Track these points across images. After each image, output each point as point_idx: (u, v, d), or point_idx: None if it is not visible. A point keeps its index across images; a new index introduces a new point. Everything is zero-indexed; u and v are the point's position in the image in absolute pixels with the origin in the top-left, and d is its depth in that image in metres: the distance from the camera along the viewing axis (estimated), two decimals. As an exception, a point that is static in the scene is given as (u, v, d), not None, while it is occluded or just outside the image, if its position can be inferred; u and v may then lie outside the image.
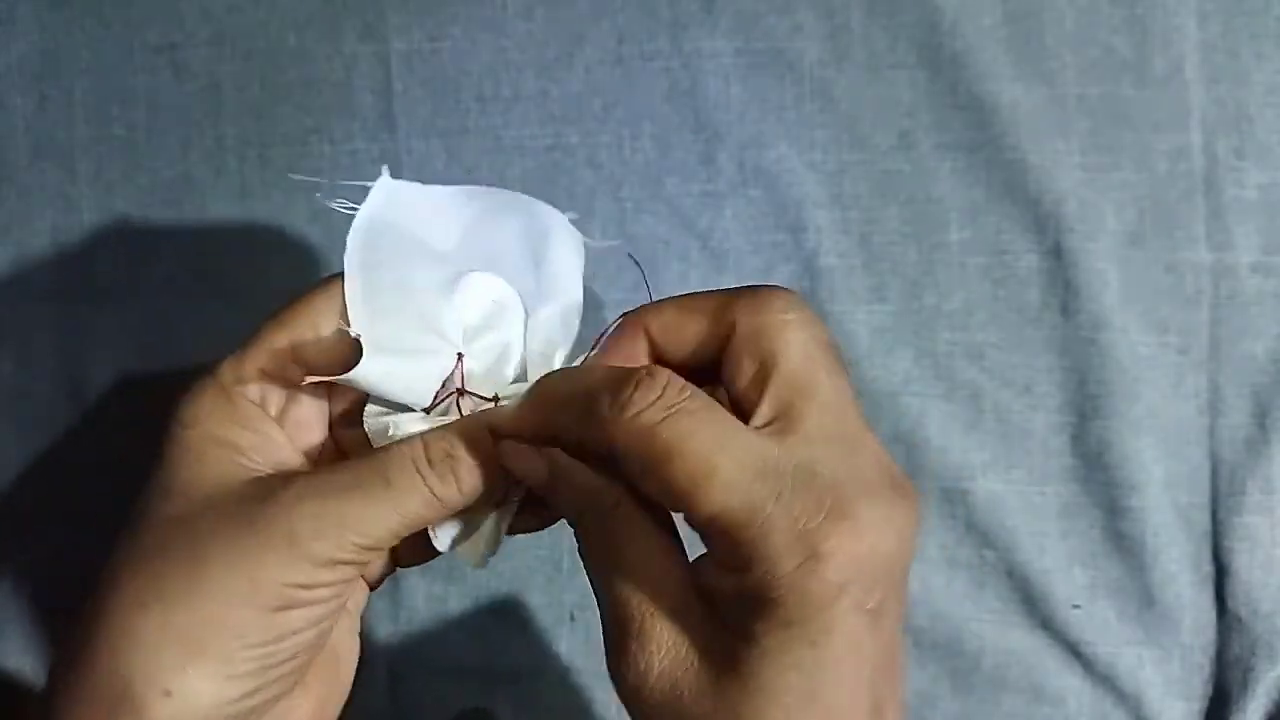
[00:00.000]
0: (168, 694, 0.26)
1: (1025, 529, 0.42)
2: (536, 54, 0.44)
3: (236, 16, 0.44)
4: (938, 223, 0.43)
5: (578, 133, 0.44)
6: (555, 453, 0.28)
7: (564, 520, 0.34)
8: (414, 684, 0.44)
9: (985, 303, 0.43)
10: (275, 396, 0.30)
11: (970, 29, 0.42)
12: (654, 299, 0.30)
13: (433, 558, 0.34)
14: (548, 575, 0.44)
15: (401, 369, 0.29)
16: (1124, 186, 0.42)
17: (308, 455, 0.30)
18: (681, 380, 0.25)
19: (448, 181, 0.44)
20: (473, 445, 0.28)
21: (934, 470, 0.43)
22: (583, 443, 0.27)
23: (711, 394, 0.26)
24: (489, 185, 0.43)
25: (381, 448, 0.29)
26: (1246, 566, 0.42)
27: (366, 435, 0.30)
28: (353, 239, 0.30)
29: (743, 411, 0.26)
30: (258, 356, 0.29)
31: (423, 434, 0.28)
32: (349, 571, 0.28)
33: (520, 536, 0.42)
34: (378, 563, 0.33)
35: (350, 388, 0.30)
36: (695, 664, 0.25)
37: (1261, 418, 0.42)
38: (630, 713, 0.26)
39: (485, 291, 0.31)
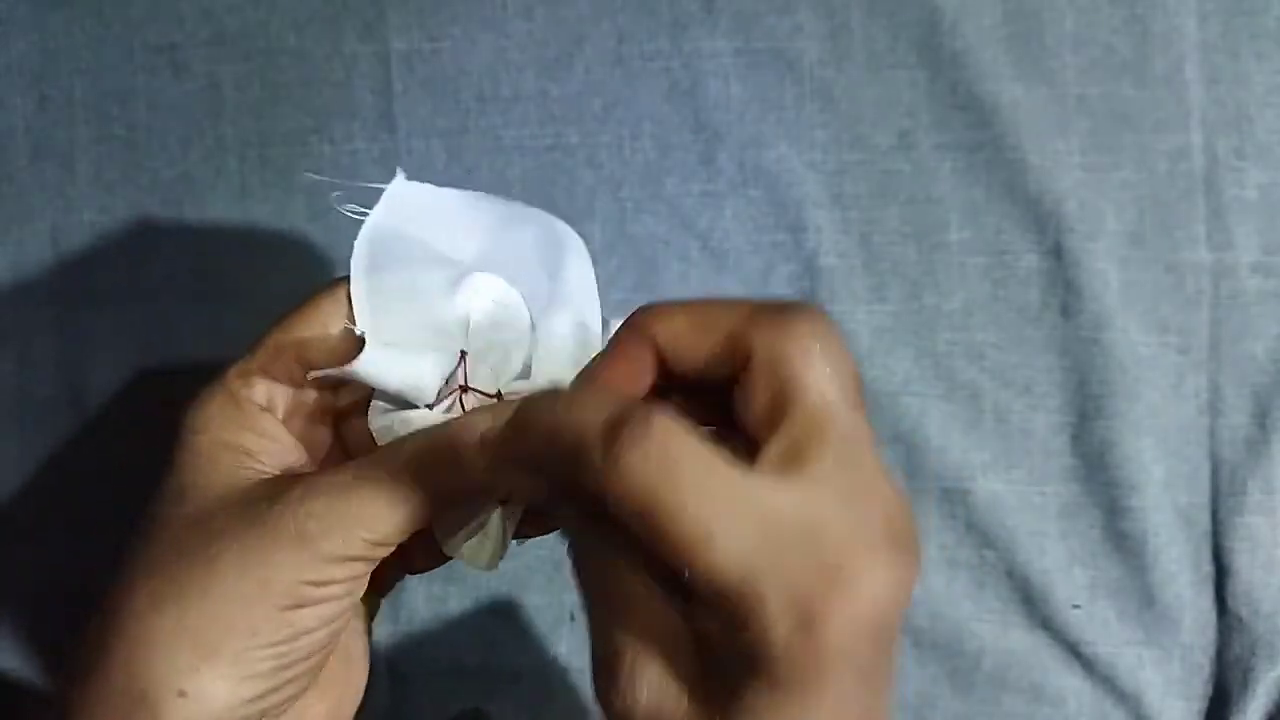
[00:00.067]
0: (182, 695, 0.26)
1: (1025, 529, 0.42)
2: (536, 54, 0.44)
3: (236, 16, 0.44)
4: (938, 223, 0.43)
5: (578, 133, 0.44)
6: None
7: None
8: (414, 684, 0.44)
9: (985, 303, 0.43)
10: (282, 399, 0.30)
11: (970, 29, 0.42)
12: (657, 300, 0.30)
13: (443, 563, 0.34)
14: (548, 575, 0.44)
15: (404, 364, 0.29)
16: (1124, 186, 0.42)
17: (315, 457, 0.31)
18: (679, 426, 0.23)
19: (448, 182, 0.44)
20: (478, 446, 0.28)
21: (934, 470, 0.43)
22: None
23: (715, 413, 0.25)
24: (489, 185, 0.44)
25: (386, 445, 0.29)
26: (1247, 566, 0.42)
27: (372, 435, 0.30)
28: (360, 242, 0.30)
29: (751, 441, 0.25)
30: (264, 359, 0.30)
31: (426, 429, 0.29)
32: (359, 568, 0.28)
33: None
34: (386, 571, 0.33)
35: (356, 389, 0.30)
36: (684, 704, 0.24)
37: (1262, 418, 0.42)
38: None
39: (488, 291, 0.31)
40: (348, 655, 0.31)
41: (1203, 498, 0.42)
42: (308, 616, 0.27)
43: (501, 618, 0.44)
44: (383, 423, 0.30)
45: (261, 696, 0.27)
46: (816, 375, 0.23)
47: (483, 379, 0.30)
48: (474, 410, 0.29)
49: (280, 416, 0.30)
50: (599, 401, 0.24)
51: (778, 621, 0.22)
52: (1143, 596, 0.42)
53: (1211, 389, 0.42)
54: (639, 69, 0.43)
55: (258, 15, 0.44)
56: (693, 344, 0.25)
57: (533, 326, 0.31)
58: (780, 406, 0.24)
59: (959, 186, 0.43)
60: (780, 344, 0.24)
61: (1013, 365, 0.43)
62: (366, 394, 0.30)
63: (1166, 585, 0.42)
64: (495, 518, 0.30)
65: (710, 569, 0.23)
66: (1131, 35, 0.42)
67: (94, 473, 0.44)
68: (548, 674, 0.44)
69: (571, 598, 0.44)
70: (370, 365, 0.28)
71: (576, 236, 0.33)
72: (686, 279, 0.43)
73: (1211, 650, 0.42)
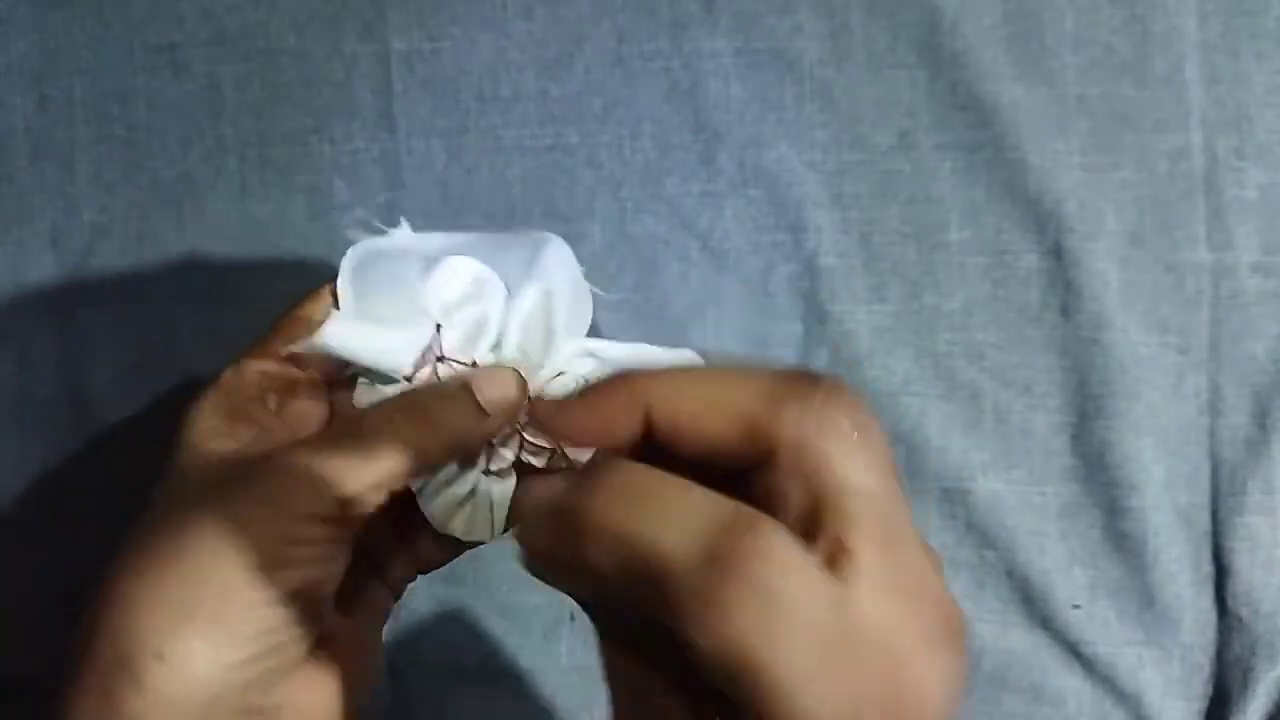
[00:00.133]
0: (160, 657, 0.26)
1: (1025, 529, 0.42)
2: (536, 54, 0.44)
3: (236, 16, 0.44)
4: (938, 223, 0.43)
5: (578, 133, 0.44)
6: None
7: None
8: (414, 684, 0.44)
9: (985, 303, 0.43)
10: (274, 394, 0.31)
11: (970, 29, 0.42)
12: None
13: (452, 558, 0.34)
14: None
15: (374, 335, 0.30)
16: (1124, 186, 0.42)
17: None
18: (797, 552, 0.19)
19: (447, 181, 0.45)
20: (448, 397, 0.29)
21: (934, 470, 0.43)
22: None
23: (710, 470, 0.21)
24: (489, 185, 0.44)
25: (361, 409, 0.30)
26: (1247, 566, 0.42)
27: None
28: (354, 249, 0.31)
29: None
30: (256, 355, 0.31)
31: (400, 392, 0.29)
32: (334, 530, 0.28)
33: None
34: (398, 570, 0.33)
35: (350, 384, 0.30)
36: None
37: (1262, 418, 0.42)
38: None
39: (465, 271, 0.31)
40: (354, 645, 0.31)
41: (1203, 498, 0.42)
42: (285, 578, 0.27)
43: (501, 618, 0.44)
44: (367, 398, 0.30)
45: (243, 663, 0.27)
46: (856, 468, 0.20)
47: (458, 350, 0.31)
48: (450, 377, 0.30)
49: (273, 407, 0.31)
50: (689, 510, 0.19)
51: None
52: (1143, 596, 0.42)
53: (1211, 389, 0.42)
54: (639, 69, 0.43)
55: (258, 15, 0.44)
56: (700, 424, 0.21)
57: (507, 300, 0.31)
58: (821, 511, 0.20)
59: (959, 186, 0.43)
60: (813, 437, 0.20)
61: (1013, 365, 0.43)
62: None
63: (1166, 585, 0.42)
64: (483, 486, 0.31)
65: (792, 712, 0.19)
66: (1131, 35, 0.42)
67: (94, 473, 0.44)
68: (548, 674, 0.44)
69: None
70: (338, 336, 0.29)
71: (561, 241, 0.34)
72: (686, 279, 0.43)
73: (1211, 650, 0.42)
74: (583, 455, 0.31)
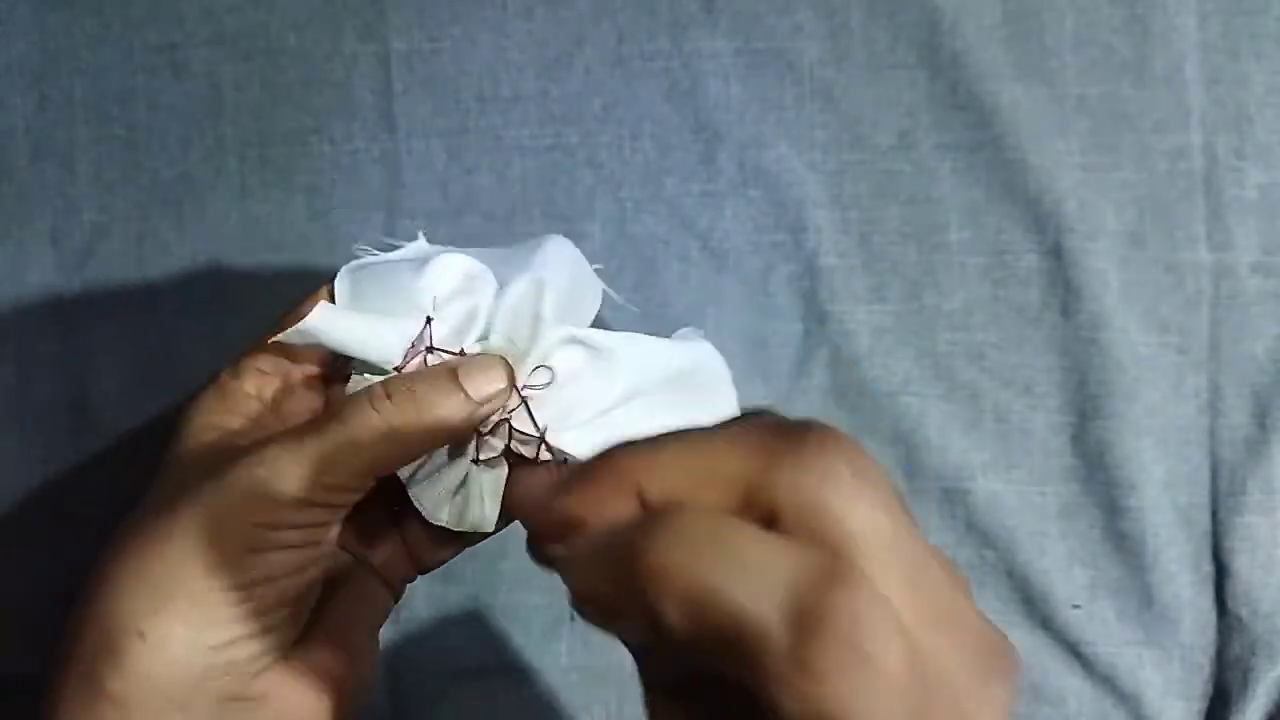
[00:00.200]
0: (141, 636, 0.26)
1: (1025, 529, 0.42)
2: (536, 54, 0.44)
3: (236, 16, 0.44)
4: (938, 223, 0.43)
5: (578, 133, 0.44)
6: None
7: None
8: (414, 684, 0.44)
9: (985, 303, 0.43)
10: (271, 390, 0.31)
11: (970, 29, 0.42)
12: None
13: (450, 557, 0.34)
14: (548, 575, 0.44)
15: (362, 324, 0.30)
16: (1124, 186, 0.42)
17: None
18: (889, 612, 0.18)
19: (447, 181, 0.45)
20: (434, 384, 0.29)
21: (934, 470, 0.43)
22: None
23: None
24: (489, 185, 0.44)
25: (347, 396, 0.30)
26: (1247, 566, 0.42)
27: None
28: (357, 253, 0.32)
29: None
30: (253, 355, 0.31)
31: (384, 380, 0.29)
32: (317, 514, 0.28)
33: (517, 538, 0.42)
34: (397, 569, 0.33)
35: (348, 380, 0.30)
36: None
37: (1261, 418, 0.42)
38: None
39: (456, 267, 0.31)
40: (348, 643, 0.31)
41: (1202, 498, 0.42)
42: (267, 562, 0.27)
43: (501, 618, 0.44)
44: (358, 390, 0.30)
45: (225, 646, 0.27)
46: (863, 514, 0.19)
47: (448, 341, 0.31)
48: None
49: (269, 405, 0.31)
50: (770, 560, 0.18)
51: None
52: (1142, 596, 0.42)
53: (1211, 389, 0.42)
54: (639, 69, 0.43)
55: (258, 15, 0.44)
56: (696, 501, 0.20)
57: (497, 292, 0.31)
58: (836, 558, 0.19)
59: (959, 186, 0.43)
60: (813, 493, 0.19)
61: (1012, 365, 0.43)
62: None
63: (1166, 585, 0.42)
64: (473, 475, 0.31)
65: None
66: (1131, 35, 0.42)
67: (94, 473, 0.44)
68: (548, 674, 0.44)
69: (571, 598, 0.44)
70: (323, 324, 0.29)
71: (563, 239, 0.34)
72: (686, 279, 0.43)
73: (1211, 650, 0.42)
74: (570, 446, 0.31)
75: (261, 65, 0.44)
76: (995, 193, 0.43)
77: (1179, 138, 0.42)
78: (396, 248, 0.33)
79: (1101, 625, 0.42)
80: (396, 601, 0.34)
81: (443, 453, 0.31)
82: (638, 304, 0.43)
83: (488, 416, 0.30)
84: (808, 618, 0.17)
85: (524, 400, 0.30)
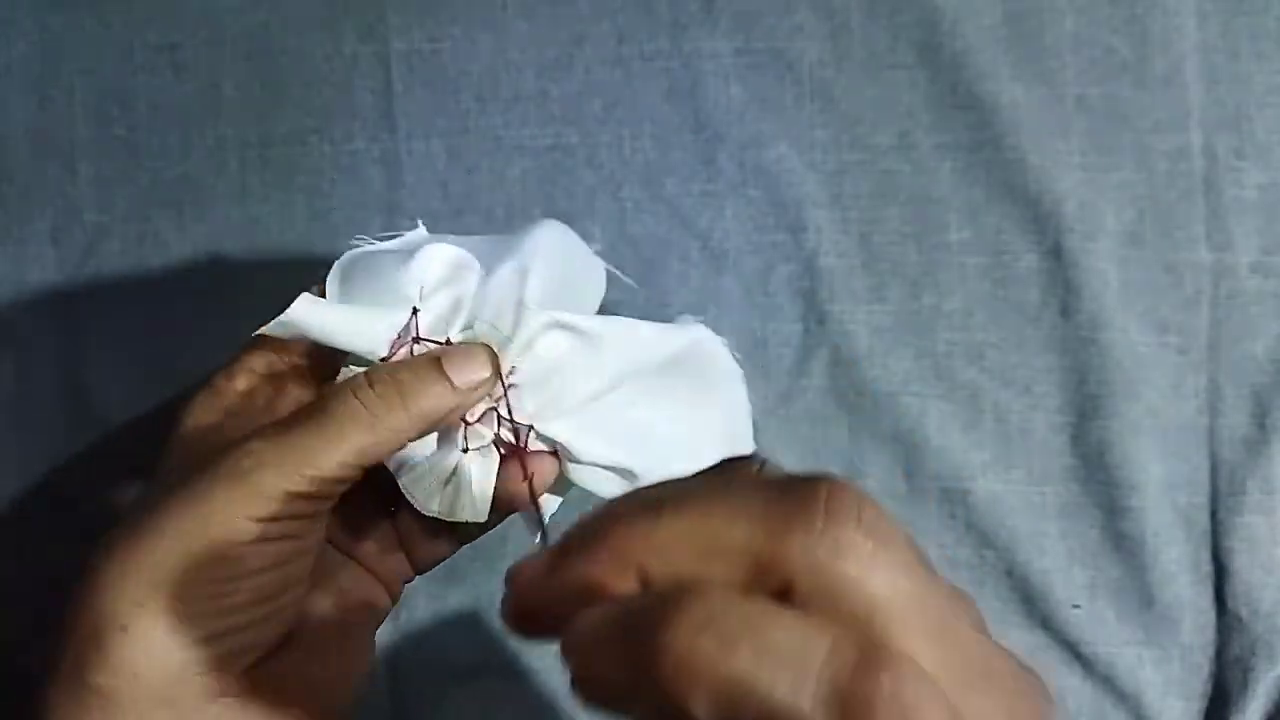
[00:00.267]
0: (124, 629, 0.26)
1: (1025, 529, 0.42)
2: (536, 54, 0.44)
3: (237, 17, 0.44)
4: (938, 223, 0.43)
5: (578, 133, 0.44)
6: None
7: (556, 506, 0.35)
8: (414, 684, 0.44)
9: (985, 303, 0.43)
10: (264, 390, 0.31)
11: (970, 29, 0.42)
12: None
13: (447, 555, 0.34)
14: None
15: (347, 315, 0.30)
16: (1124, 186, 0.42)
17: None
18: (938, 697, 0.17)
19: (448, 181, 0.45)
20: (418, 373, 0.29)
21: (934, 470, 0.43)
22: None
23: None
24: (489, 185, 0.44)
25: (333, 387, 0.29)
26: (1246, 566, 0.42)
27: None
28: (352, 251, 0.32)
29: None
30: (245, 353, 0.31)
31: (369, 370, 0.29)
32: (303, 506, 0.28)
33: (517, 538, 0.42)
34: (394, 568, 0.33)
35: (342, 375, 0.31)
36: None
37: (1261, 418, 0.42)
38: None
39: (442, 257, 0.31)
40: (342, 641, 0.31)
41: (1202, 498, 0.42)
42: (252, 554, 0.27)
43: (501, 618, 0.44)
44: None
45: (211, 639, 0.27)
46: (883, 578, 0.18)
47: (435, 331, 0.31)
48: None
49: (263, 402, 0.31)
50: (802, 645, 0.17)
51: None
52: (1142, 596, 0.42)
53: (1211, 389, 0.42)
54: (639, 69, 0.43)
55: (258, 16, 0.44)
56: (701, 575, 0.18)
57: (483, 281, 0.31)
58: (862, 628, 0.18)
59: (959, 186, 0.43)
60: (828, 563, 0.18)
61: (1012, 365, 0.43)
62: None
63: (1166, 585, 0.42)
64: (463, 465, 0.30)
65: None
66: (1131, 36, 0.42)
67: (94, 473, 0.44)
68: (547, 674, 0.44)
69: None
70: (305, 315, 0.29)
71: (556, 223, 0.34)
72: (686, 279, 0.43)
73: (1211, 650, 0.42)
74: (560, 434, 0.31)
75: (262, 65, 0.44)
76: (995, 193, 0.43)
77: (1179, 138, 0.42)
78: (395, 238, 0.33)
79: (1101, 625, 0.42)
80: (395, 603, 0.34)
81: (432, 443, 0.31)
82: (638, 304, 0.43)
83: (473, 405, 0.30)
84: (852, 709, 0.16)
85: (507, 389, 0.30)
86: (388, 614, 0.34)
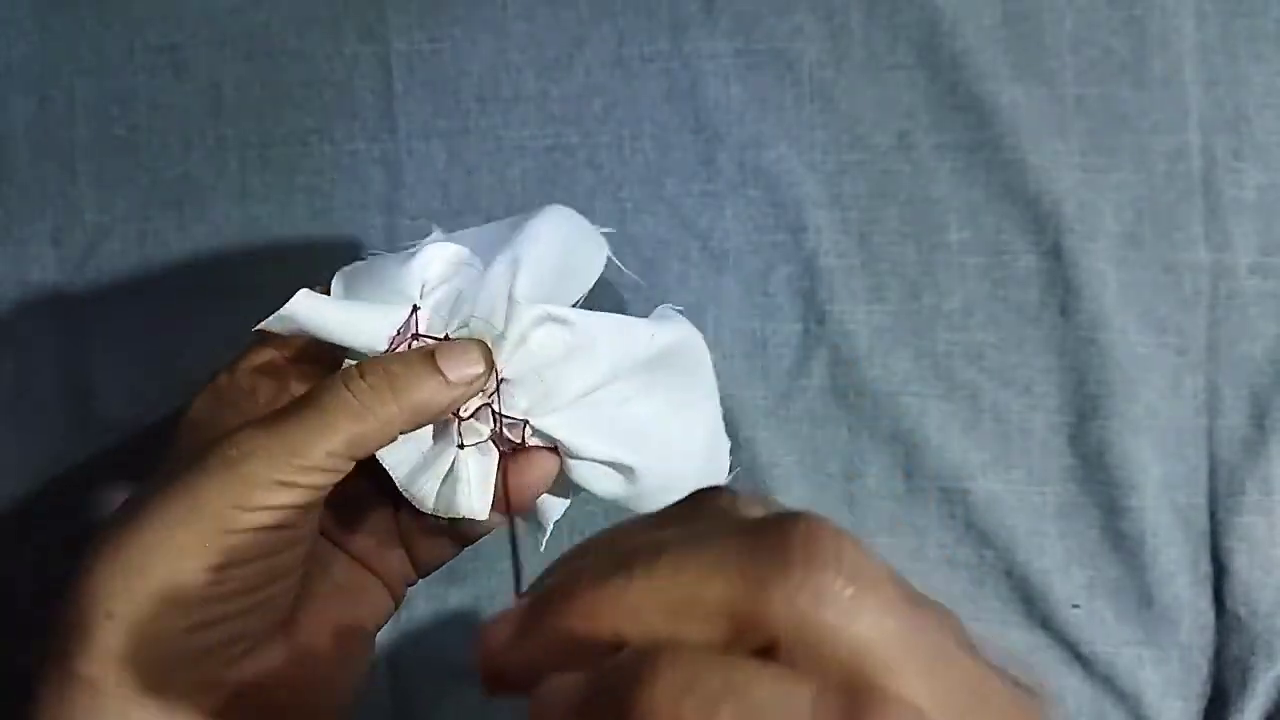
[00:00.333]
0: (109, 616, 0.26)
1: (1024, 529, 0.43)
2: (537, 55, 0.44)
3: (237, 17, 0.44)
4: (937, 223, 0.43)
5: (578, 133, 0.44)
6: None
7: (560, 511, 0.35)
8: (414, 683, 0.44)
9: (984, 303, 0.43)
10: (267, 389, 0.31)
11: (970, 29, 0.42)
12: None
13: (450, 557, 0.34)
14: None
15: (346, 310, 0.30)
16: (1123, 187, 0.42)
17: None
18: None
19: (448, 182, 0.45)
20: (410, 366, 0.29)
21: (933, 470, 0.43)
22: None
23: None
24: (489, 186, 0.44)
25: (326, 379, 0.29)
26: (1245, 566, 0.42)
27: None
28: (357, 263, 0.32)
29: None
30: (247, 352, 0.31)
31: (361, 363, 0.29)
32: (293, 495, 0.28)
33: (519, 537, 0.42)
34: (397, 569, 0.33)
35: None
36: None
37: (1260, 418, 0.42)
38: None
39: (444, 256, 0.31)
40: (339, 638, 0.30)
41: (1201, 498, 0.42)
42: (241, 543, 0.27)
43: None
44: None
45: (198, 628, 0.27)
46: (871, 629, 0.17)
47: (434, 328, 0.31)
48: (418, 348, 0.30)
49: (264, 401, 0.31)
50: (785, 703, 0.16)
51: None
52: (1141, 596, 0.42)
53: (1209, 389, 0.42)
54: (639, 70, 0.43)
55: (259, 16, 0.44)
56: (680, 637, 0.18)
57: (480, 276, 0.31)
58: (850, 676, 0.18)
59: (959, 186, 0.43)
60: (813, 618, 0.17)
61: (1011, 365, 0.43)
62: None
63: (1165, 585, 0.42)
64: (460, 462, 0.30)
65: None
66: (1130, 36, 0.42)
67: (94, 473, 0.44)
68: (548, 673, 0.44)
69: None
70: (304, 310, 0.29)
71: (558, 208, 0.34)
72: (686, 279, 0.43)
73: (1210, 650, 0.42)
74: (555, 429, 0.31)
75: (262, 66, 0.44)
76: (994, 193, 0.43)
77: (1177, 139, 0.42)
78: (407, 249, 0.32)
79: (1100, 625, 0.42)
80: (398, 606, 0.34)
81: (429, 440, 0.31)
82: (638, 304, 0.43)
83: (467, 399, 0.30)
84: None
85: (500, 384, 0.30)
86: (390, 616, 0.34)
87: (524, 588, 0.21)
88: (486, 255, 0.31)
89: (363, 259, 0.32)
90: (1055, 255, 0.42)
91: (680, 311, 0.34)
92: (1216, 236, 0.42)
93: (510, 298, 0.30)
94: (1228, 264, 0.42)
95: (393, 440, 0.29)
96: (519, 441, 0.31)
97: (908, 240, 0.43)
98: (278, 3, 0.44)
